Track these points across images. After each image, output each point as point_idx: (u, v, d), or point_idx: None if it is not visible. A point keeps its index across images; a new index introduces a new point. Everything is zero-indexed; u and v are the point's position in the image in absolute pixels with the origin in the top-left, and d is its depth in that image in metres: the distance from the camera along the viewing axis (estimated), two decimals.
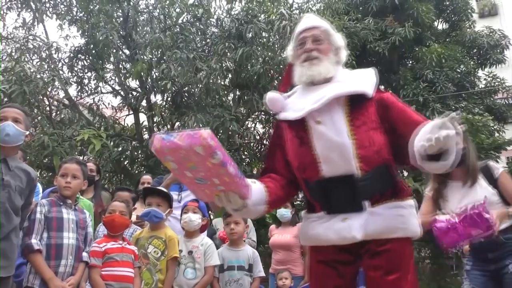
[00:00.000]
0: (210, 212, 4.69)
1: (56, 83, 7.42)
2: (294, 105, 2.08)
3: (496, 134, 9.35)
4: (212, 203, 3.13)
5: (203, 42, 8.60)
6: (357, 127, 1.92)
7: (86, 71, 8.77)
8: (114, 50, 8.19)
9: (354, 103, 1.96)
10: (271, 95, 2.15)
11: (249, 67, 7.75)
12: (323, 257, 2.01)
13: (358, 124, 1.93)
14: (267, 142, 9.20)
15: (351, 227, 1.88)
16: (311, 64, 2.03)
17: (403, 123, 1.93)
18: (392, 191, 1.97)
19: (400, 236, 1.91)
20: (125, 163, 8.43)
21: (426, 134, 1.67)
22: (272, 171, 2.09)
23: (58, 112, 8.34)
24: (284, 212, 4.50)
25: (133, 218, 3.60)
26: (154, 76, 8.09)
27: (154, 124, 8.55)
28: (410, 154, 1.77)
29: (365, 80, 2.04)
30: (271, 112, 8.39)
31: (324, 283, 2.01)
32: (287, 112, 2.08)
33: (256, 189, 1.86)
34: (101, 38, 7.23)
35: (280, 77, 7.99)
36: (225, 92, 8.79)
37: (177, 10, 8.42)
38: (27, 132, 2.55)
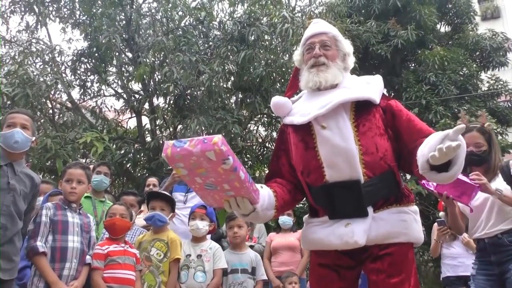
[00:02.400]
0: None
1: (59, 86, 7.42)
2: (300, 109, 2.07)
3: (499, 137, 9.30)
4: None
5: (206, 45, 8.60)
6: (363, 133, 1.92)
7: (89, 74, 8.78)
8: (117, 53, 8.19)
9: (360, 109, 1.96)
10: (277, 100, 2.15)
11: (251, 70, 7.73)
12: (325, 261, 2.01)
13: (363, 130, 1.93)
14: (269, 145, 9.19)
15: (353, 232, 1.87)
16: (318, 70, 2.03)
17: (409, 132, 1.93)
18: (396, 196, 1.97)
19: (402, 241, 1.91)
20: (128, 166, 8.41)
21: (435, 145, 1.65)
22: (278, 176, 2.09)
23: (61, 115, 8.32)
24: (287, 220, 4.57)
25: (141, 222, 3.60)
26: (157, 79, 8.08)
27: (157, 127, 8.53)
28: (419, 164, 1.74)
29: (371, 87, 2.04)
30: (274, 115, 8.42)
31: (326, 286, 2.00)
32: (293, 117, 2.08)
33: (265, 194, 1.85)
34: (104, 41, 7.24)
35: (282, 80, 7.99)
36: (228, 95, 8.77)
37: (180, 13, 8.42)
38: (34, 138, 2.57)
